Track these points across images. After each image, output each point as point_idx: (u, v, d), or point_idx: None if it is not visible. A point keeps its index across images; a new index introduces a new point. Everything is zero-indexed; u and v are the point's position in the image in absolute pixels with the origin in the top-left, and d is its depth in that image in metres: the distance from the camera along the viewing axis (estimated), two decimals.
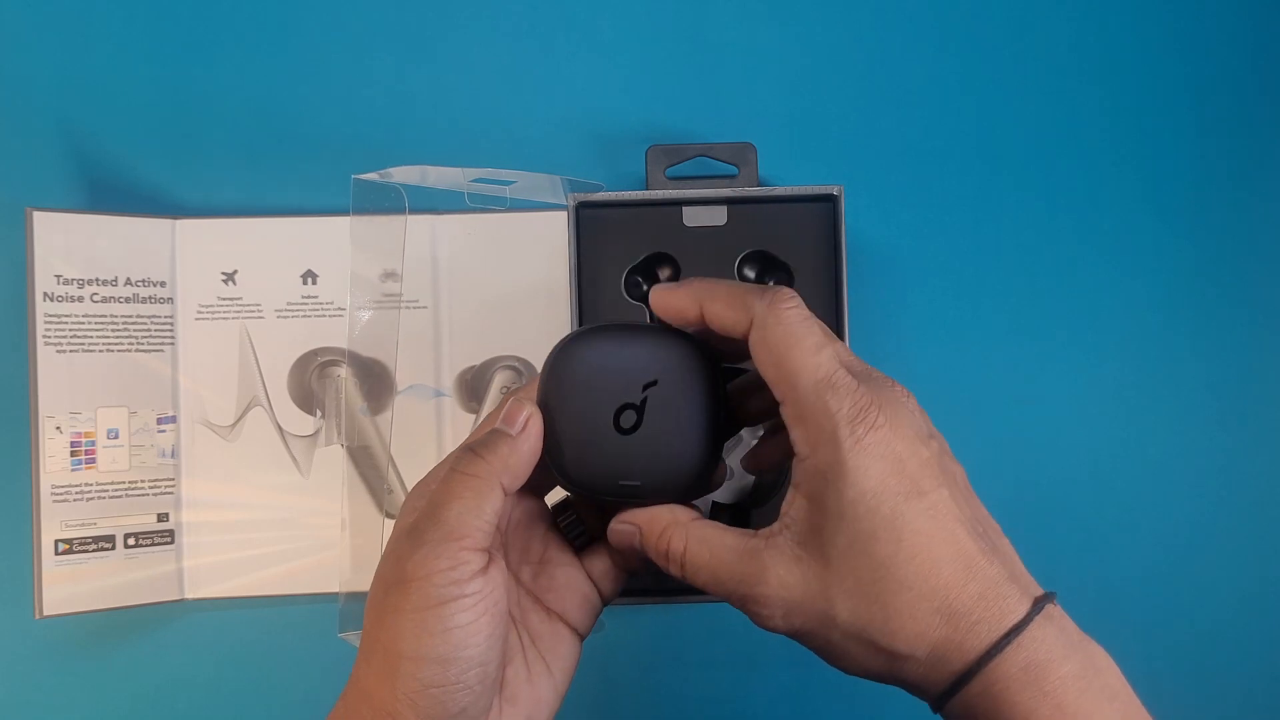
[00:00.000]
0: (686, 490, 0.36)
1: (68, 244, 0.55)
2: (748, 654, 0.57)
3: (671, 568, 0.34)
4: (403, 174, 0.56)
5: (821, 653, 0.33)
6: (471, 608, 0.31)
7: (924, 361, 0.59)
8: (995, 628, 0.30)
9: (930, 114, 0.60)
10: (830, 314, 0.52)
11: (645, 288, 0.54)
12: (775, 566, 0.32)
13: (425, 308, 0.58)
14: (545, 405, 0.35)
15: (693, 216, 0.53)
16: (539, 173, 0.57)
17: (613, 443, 0.35)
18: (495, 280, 0.58)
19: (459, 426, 0.58)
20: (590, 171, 0.58)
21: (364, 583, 0.56)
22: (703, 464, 0.35)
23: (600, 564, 0.38)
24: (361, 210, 0.56)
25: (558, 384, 0.35)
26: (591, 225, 0.53)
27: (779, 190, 0.52)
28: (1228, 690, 0.58)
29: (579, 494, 0.37)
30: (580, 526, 0.38)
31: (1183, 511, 0.58)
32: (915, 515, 0.30)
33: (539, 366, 0.60)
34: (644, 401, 0.35)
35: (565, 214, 0.52)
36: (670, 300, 0.35)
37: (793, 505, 0.33)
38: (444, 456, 0.36)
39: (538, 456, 0.34)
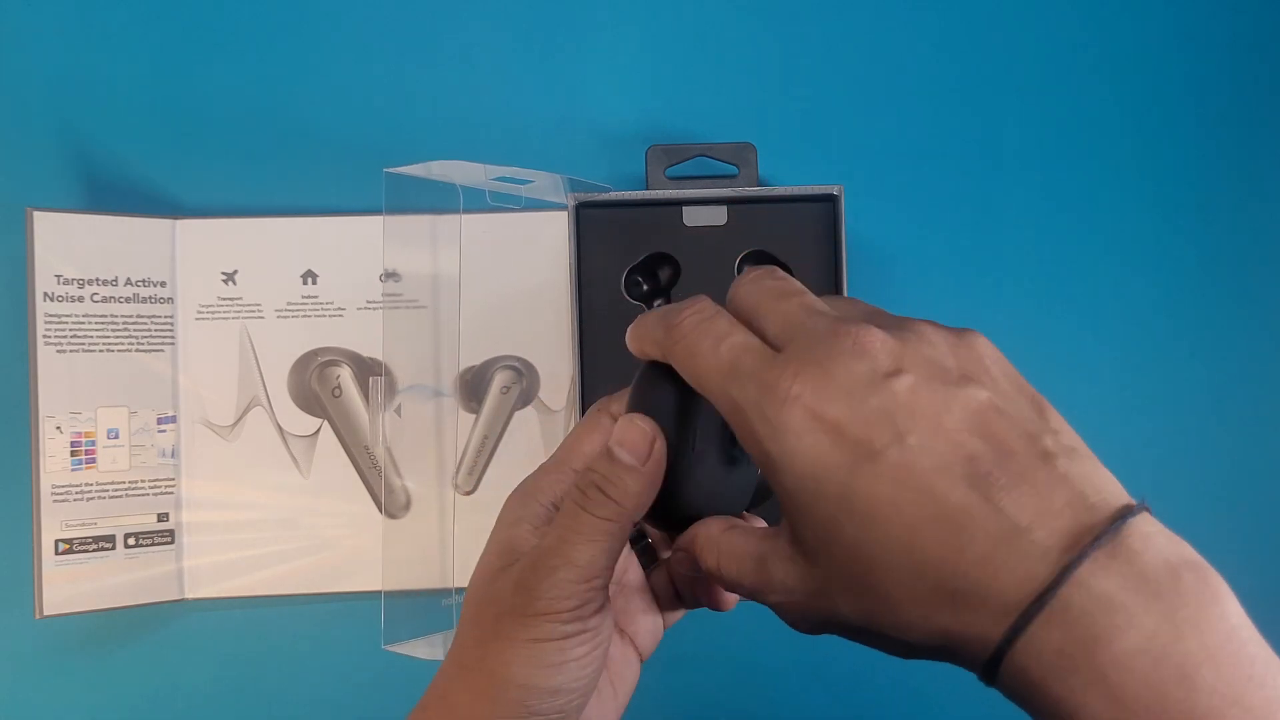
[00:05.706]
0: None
1: (68, 244, 0.55)
2: (748, 654, 0.57)
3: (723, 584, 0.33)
4: (420, 170, 0.56)
5: (878, 648, 0.28)
6: (589, 641, 0.31)
7: None
8: (1014, 597, 0.23)
9: (930, 114, 0.60)
10: None
11: (645, 288, 0.54)
12: (776, 571, 0.28)
13: (425, 307, 0.58)
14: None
15: (693, 216, 0.53)
16: (543, 172, 0.57)
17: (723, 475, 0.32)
18: (495, 280, 0.58)
19: (459, 426, 0.58)
20: (590, 171, 0.58)
21: (385, 584, 0.56)
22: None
23: (666, 590, 0.37)
24: (396, 208, 0.55)
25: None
26: (591, 225, 0.53)
27: (779, 190, 0.52)
28: None
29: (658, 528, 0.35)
30: (652, 552, 0.37)
31: (1183, 511, 0.58)
32: (871, 482, 0.24)
33: (539, 366, 0.60)
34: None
35: (565, 214, 0.52)
36: (630, 345, 0.32)
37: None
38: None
39: (658, 488, 0.31)
